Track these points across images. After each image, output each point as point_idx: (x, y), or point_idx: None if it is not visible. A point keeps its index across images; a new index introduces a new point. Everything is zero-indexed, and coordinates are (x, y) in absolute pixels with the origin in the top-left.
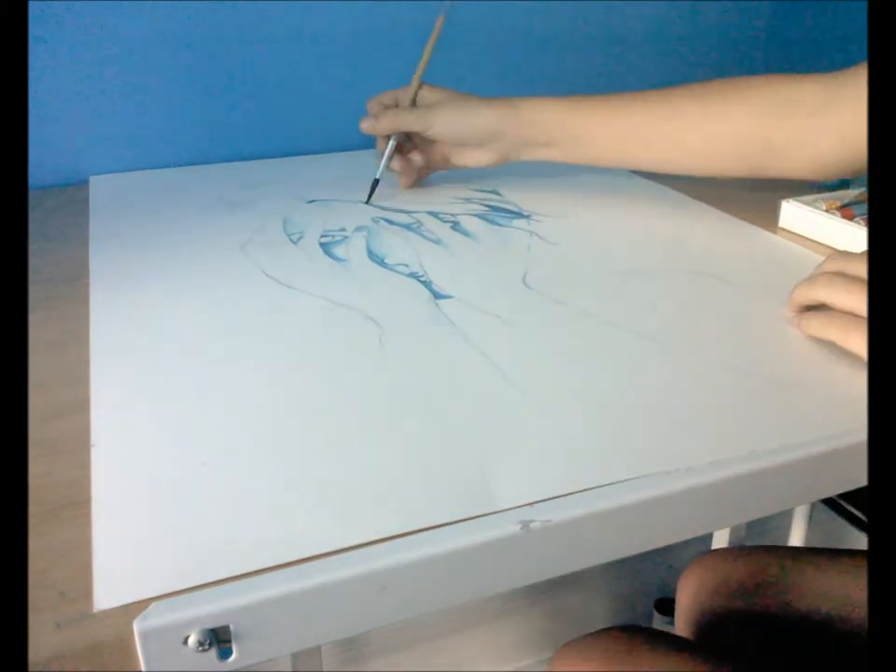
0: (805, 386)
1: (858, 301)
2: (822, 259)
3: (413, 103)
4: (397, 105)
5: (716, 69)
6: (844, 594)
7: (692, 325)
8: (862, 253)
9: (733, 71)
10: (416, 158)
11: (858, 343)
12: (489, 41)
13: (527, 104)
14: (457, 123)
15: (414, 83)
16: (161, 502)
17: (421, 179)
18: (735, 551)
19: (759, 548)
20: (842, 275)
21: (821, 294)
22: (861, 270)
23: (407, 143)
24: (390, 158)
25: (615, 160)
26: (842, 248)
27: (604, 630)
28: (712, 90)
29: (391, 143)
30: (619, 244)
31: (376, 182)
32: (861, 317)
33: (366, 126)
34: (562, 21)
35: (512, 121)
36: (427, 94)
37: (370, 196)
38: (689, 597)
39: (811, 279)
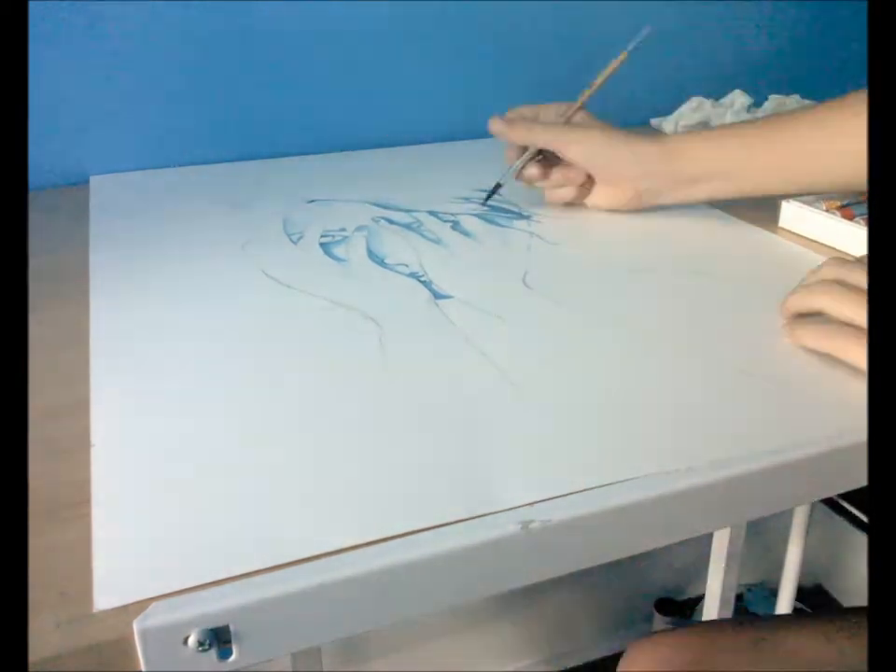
0: (806, 386)
1: (858, 312)
2: (822, 259)
3: (568, 122)
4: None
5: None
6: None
7: (692, 325)
8: (861, 260)
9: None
10: (557, 175)
11: (858, 354)
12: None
13: (673, 138)
14: (599, 150)
15: (577, 104)
16: (161, 502)
17: (574, 199)
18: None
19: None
20: (841, 283)
21: (820, 303)
22: (861, 279)
23: (551, 160)
24: (524, 165)
25: (775, 186)
26: (842, 248)
27: (675, 628)
28: (856, 100)
29: (529, 151)
30: (619, 244)
31: (498, 186)
32: (861, 328)
33: (497, 128)
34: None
35: (662, 157)
36: (582, 118)
37: (487, 198)
38: None
39: (808, 287)
